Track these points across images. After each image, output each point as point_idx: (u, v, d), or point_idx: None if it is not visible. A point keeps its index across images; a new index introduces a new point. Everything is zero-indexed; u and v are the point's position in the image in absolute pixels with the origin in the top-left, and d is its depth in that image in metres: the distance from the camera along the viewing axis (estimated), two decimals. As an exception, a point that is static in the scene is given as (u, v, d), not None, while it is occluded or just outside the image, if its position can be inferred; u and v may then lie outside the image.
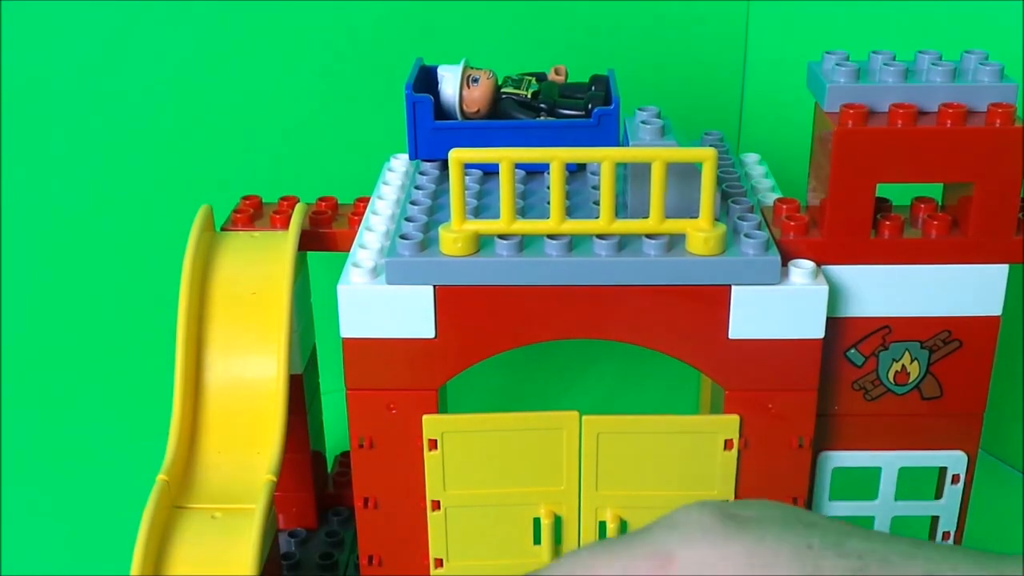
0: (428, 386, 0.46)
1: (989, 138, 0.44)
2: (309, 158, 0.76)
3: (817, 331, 0.45)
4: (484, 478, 0.47)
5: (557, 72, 0.55)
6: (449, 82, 0.52)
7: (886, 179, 0.45)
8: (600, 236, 0.44)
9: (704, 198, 0.43)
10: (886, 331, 0.47)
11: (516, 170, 0.45)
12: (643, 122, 0.48)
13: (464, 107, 0.52)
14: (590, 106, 0.51)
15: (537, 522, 0.48)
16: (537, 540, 0.48)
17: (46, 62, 0.74)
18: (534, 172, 0.52)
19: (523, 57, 0.62)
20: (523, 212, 0.48)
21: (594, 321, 0.45)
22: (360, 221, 0.51)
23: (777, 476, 0.47)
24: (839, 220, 0.45)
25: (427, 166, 0.52)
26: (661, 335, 0.45)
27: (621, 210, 0.46)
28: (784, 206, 0.48)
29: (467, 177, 0.46)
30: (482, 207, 0.49)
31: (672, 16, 0.77)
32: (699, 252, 0.44)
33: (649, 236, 0.44)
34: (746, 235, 0.44)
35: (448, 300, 0.44)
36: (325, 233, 0.53)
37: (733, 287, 0.44)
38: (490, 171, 0.52)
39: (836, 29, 0.75)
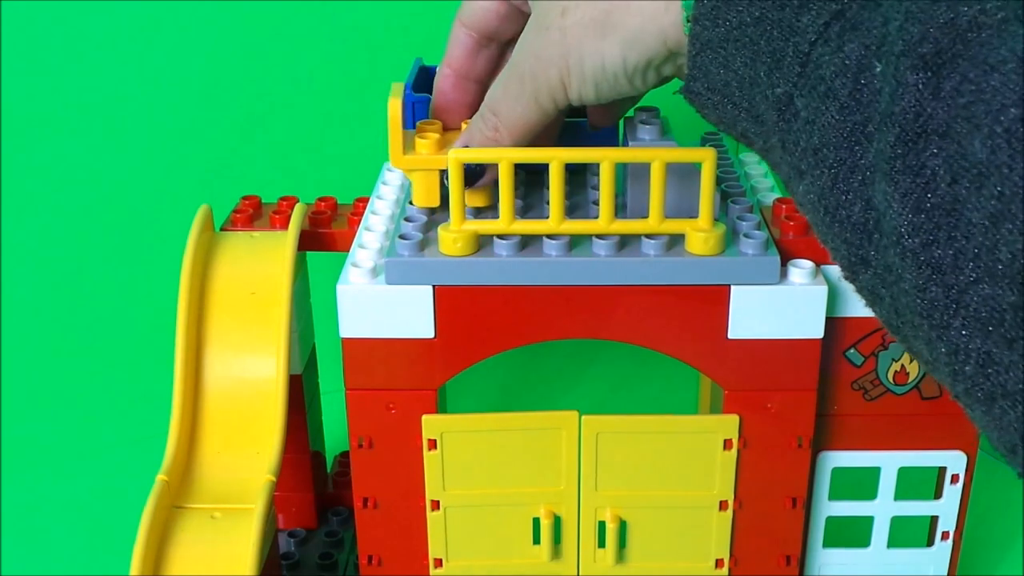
0: (428, 386, 0.46)
1: (988, 138, 0.44)
2: (309, 158, 0.76)
3: (816, 331, 0.45)
4: (484, 478, 0.47)
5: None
6: (449, 82, 0.52)
7: (885, 179, 0.45)
8: (600, 236, 0.44)
9: (704, 198, 0.43)
10: (885, 331, 0.47)
11: (516, 170, 0.45)
12: (643, 122, 0.48)
13: (464, 107, 0.52)
14: (590, 106, 0.51)
15: (536, 522, 0.48)
16: (536, 540, 0.48)
17: (46, 62, 0.74)
18: (534, 172, 0.52)
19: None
20: (523, 212, 0.48)
21: (594, 321, 0.45)
22: (359, 221, 0.51)
23: (776, 476, 0.47)
24: (838, 220, 0.45)
25: (427, 166, 0.52)
26: (661, 335, 0.45)
27: (621, 210, 0.46)
28: (784, 206, 0.48)
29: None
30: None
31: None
32: (699, 252, 0.44)
33: (649, 236, 0.44)
34: (746, 235, 0.44)
35: (447, 300, 0.44)
36: (324, 233, 0.53)
37: (733, 287, 0.44)
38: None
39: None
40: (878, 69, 0.31)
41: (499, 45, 0.47)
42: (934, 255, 0.29)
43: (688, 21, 0.36)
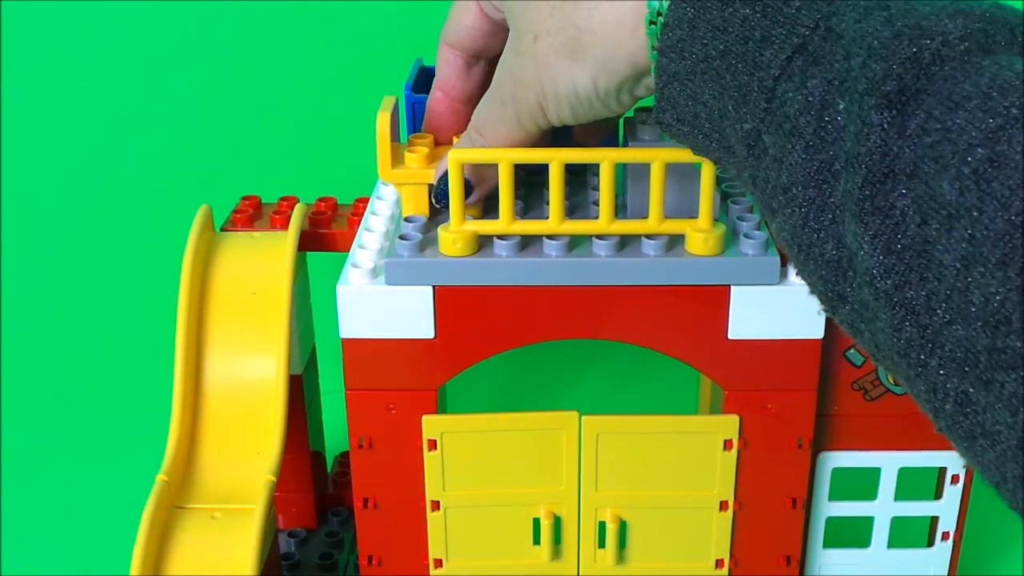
0: (427, 386, 0.46)
1: (989, 138, 0.44)
2: (309, 158, 0.76)
3: (816, 331, 0.45)
4: (484, 478, 0.47)
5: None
6: (449, 82, 0.52)
7: (886, 179, 0.45)
8: (600, 236, 0.44)
9: (703, 198, 0.43)
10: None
11: (516, 170, 0.45)
12: (643, 122, 0.48)
13: (464, 107, 0.52)
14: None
15: (537, 522, 0.48)
16: (537, 540, 0.48)
17: (46, 62, 0.74)
18: (534, 172, 0.52)
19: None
20: (523, 212, 0.48)
21: (594, 321, 0.45)
22: (359, 222, 0.51)
23: (776, 476, 0.47)
24: (839, 220, 0.45)
25: (427, 166, 0.52)
26: (661, 335, 0.45)
27: (621, 210, 0.46)
28: (784, 206, 0.48)
29: (467, 177, 0.46)
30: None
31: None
32: (698, 252, 0.44)
33: (648, 236, 0.44)
34: (745, 235, 0.44)
35: (447, 300, 0.44)
36: (324, 233, 0.54)
37: (732, 287, 0.44)
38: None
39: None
40: (841, 106, 0.31)
41: (487, 62, 0.47)
42: (907, 296, 0.29)
43: (653, 50, 0.36)
